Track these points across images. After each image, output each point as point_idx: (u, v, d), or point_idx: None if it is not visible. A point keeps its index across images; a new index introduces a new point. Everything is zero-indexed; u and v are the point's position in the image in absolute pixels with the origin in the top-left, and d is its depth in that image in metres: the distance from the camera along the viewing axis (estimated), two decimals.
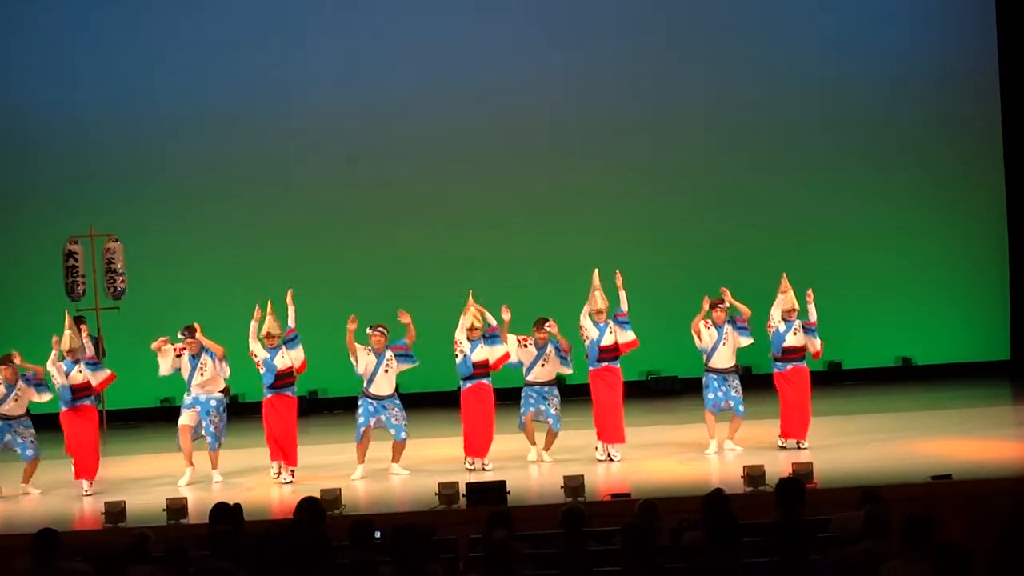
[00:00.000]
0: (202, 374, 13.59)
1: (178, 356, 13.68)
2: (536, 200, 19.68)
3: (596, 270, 13.99)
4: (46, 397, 13.78)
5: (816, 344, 13.99)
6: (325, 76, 19.68)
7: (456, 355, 13.74)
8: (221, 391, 13.84)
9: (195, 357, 13.59)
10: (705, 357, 14.03)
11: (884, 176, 19.83)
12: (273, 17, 19.75)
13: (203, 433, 13.65)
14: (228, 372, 13.75)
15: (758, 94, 19.74)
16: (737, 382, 14.04)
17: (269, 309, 13.57)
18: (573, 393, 16.50)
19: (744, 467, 11.31)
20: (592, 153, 19.76)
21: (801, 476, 10.87)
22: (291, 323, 13.63)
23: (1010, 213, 19.86)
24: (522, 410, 13.83)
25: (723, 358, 13.96)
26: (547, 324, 13.78)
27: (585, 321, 13.89)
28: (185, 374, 13.66)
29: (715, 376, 13.93)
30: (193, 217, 19.70)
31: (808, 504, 8.56)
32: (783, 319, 13.91)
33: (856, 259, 19.66)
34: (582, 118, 19.72)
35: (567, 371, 14.16)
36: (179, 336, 13.67)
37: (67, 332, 13.67)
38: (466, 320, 13.68)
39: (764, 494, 10.63)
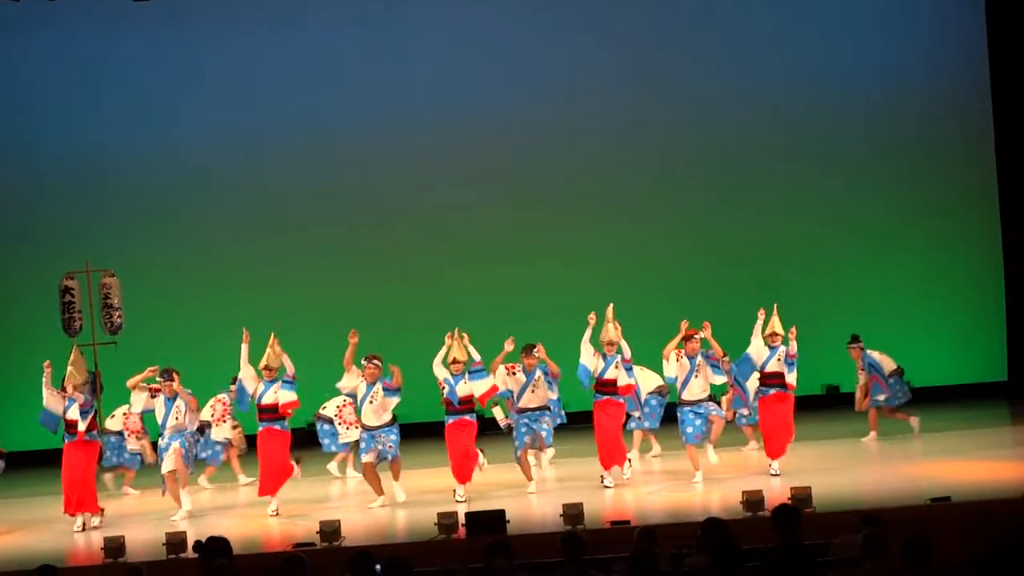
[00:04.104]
0: (176, 417, 13.58)
1: (153, 397, 13.66)
2: (528, 238, 19.86)
3: (611, 304, 14.01)
4: None
5: (791, 377, 14.00)
6: (322, 121, 19.86)
7: (442, 390, 13.73)
8: (196, 429, 13.90)
9: (171, 400, 13.60)
10: (678, 389, 14.01)
11: (878, 199, 19.90)
12: (272, 67, 19.95)
13: (187, 458, 13.58)
14: (196, 425, 13.77)
15: (748, 114, 19.83)
16: (713, 404, 14.02)
17: (271, 342, 13.57)
18: (572, 421, 16.49)
19: (743, 492, 11.30)
20: (583, 187, 19.93)
21: (799, 501, 10.87)
22: (290, 369, 13.62)
23: (1004, 234, 19.91)
24: (517, 443, 13.81)
25: (695, 390, 13.89)
26: (535, 350, 13.80)
27: (586, 347, 13.90)
28: (159, 416, 13.66)
29: (689, 408, 13.91)
30: (190, 252, 19.82)
31: (807, 528, 8.56)
32: (767, 345, 13.93)
33: (852, 282, 19.70)
34: (570, 151, 19.88)
35: (552, 396, 14.15)
36: (157, 378, 13.65)
37: (70, 368, 13.63)
38: (448, 353, 13.62)
39: (763, 519, 10.61)
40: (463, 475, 13.50)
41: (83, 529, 13.26)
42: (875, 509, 9.82)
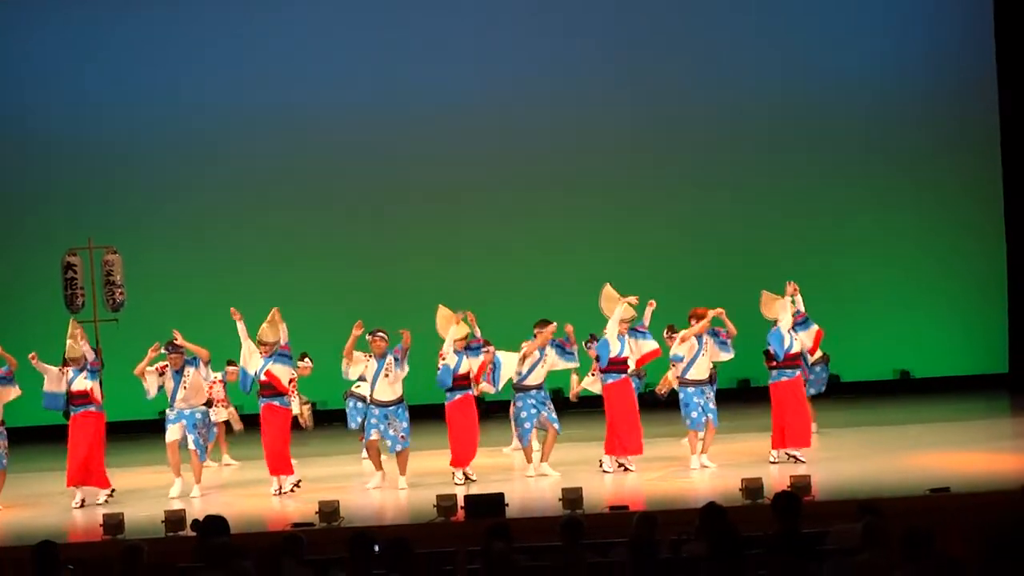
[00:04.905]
0: (185, 387, 13.59)
1: (161, 375, 13.69)
2: (534, 219, 19.90)
3: (607, 283, 14.03)
4: (14, 394, 13.55)
5: (813, 331, 13.99)
6: (327, 98, 19.89)
7: (438, 365, 13.69)
8: (204, 404, 13.85)
9: (178, 372, 13.62)
10: (683, 368, 13.96)
11: (882, 189, 19.88)
12: (277, 41, 19.96)
13: (191, 446, 13.58)
14: (212, 376, 13.77)
15: (755, 107, 19.81)
16: (712, 392, 14.02)
17: (269, 316, 13.58)
18: (573, 405, 16.48)
19: (743, 480, 11.30)
20: (590, 172, 19.93)
21: (799, 489, 10.87)
22: (284, 339, 13.62)
23: (1008, 226, 19.88)
24: (527, 425, 13.75)
25: (701, 369, 13.91)
26: (548, 327, 13.77)
27: (614, 326, 13.85)
28: (169, 390, 13.67)
29: (693, 390, 13.88)
30: (193, 229, 19.84)
31: (806, 516, 8.57)
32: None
33: (855, 272, 19.69)
34: (578, 138, 19.91)
35: (573, 365, 14.12)
36: (163, 351, 13.66)
37: (68, 340, 13.66)
38: (458, 330, 13.63)
39: (762, 506, 10.61)
40: (462, 459, 13.51)
41: (82, 505, 13.27)
42: (874, 498, 9.82)
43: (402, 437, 13.37)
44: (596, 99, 19.86)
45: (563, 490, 11.27)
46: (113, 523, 11.22)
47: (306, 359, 14.99)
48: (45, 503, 13.78)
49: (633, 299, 13.92)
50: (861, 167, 19.87)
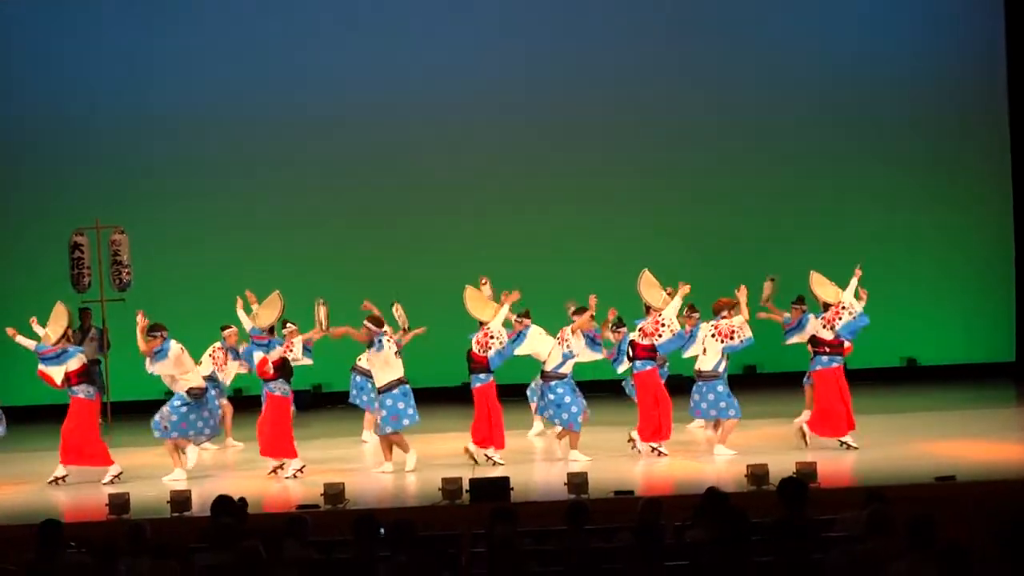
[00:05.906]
0: (156, 372, 13.63)
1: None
2: (545, 197, 19.82)
3: (645, 270, 14.04)
4: None
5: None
6: (330, 72, 19.80)
7: (486, 345, 13.48)
8: (187, 391, 13.69)
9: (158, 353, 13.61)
10: (726, 360, 13.92)
11: (890, 177, 19.84)
12: (280, 15, 19.85)
13: (174, 425, 13.55)
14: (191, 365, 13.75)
15: (762, 96, 19.76)
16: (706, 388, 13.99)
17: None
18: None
19: (748, 466, 11.30)
20: (602, 154, 19.89)
21: (805, 475, 10.85)
22: (249, 326, 13.61)
23: (1016, 213, 19.85)
24: (575, 408, 13.62)
25: (704, 362, 13.92)
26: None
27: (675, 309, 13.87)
28: None
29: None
30: (199, 209, 19.78)
31: (812, 503, 8.57)
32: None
33: (861, 259, 19.63)
34: (591, 119, 19.84)
35: (599, 357, 14.09)
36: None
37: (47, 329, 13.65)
38: (491, 309, 13.60)
39: (767, 492, 10.61)
40: (499, 440, 13.47)
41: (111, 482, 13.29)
42: (880, 486, 9.81)
43: (379, 422, 13.34)
44: (613, 79, 19.78)
45: (568, 475, 11.27)
46: (118, 503, 11.24)
47: (288, 324, 14.81)
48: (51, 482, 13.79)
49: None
50: (870, 157, 19.81)
